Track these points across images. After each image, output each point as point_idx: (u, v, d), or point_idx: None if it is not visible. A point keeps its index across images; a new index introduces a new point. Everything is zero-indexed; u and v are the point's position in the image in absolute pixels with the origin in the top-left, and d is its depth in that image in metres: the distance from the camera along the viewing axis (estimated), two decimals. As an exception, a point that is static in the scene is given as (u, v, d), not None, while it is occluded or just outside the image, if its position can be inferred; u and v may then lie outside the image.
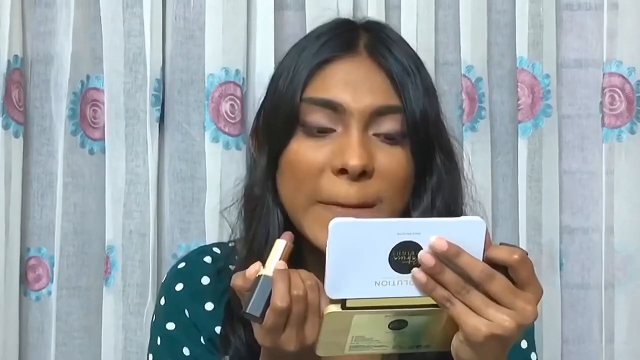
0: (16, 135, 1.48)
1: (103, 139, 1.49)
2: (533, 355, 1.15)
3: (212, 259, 1.14)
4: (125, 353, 1.46)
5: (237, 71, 1.46)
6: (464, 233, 0.86)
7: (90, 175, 1.50)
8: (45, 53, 1.51)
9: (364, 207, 1.01)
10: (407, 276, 0.86)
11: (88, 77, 1.51)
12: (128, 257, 1.47)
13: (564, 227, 1.51)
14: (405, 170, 1.04)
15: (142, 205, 1.48)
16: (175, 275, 1.14)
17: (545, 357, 1.47)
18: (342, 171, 1.00)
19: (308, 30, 1.42)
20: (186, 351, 1.10)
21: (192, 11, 1.49)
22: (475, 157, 1.46)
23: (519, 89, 1.47)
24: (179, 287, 1.12)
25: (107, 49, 1.48)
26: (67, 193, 1.48)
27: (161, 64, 1.48)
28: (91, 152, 1.51)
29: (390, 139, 1.03)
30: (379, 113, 1.02)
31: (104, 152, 1.49)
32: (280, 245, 0.93)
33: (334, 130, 1.02)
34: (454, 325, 0.89)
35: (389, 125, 1.03)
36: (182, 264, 1.15)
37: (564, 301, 1.50)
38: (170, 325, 1.11)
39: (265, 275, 0.90)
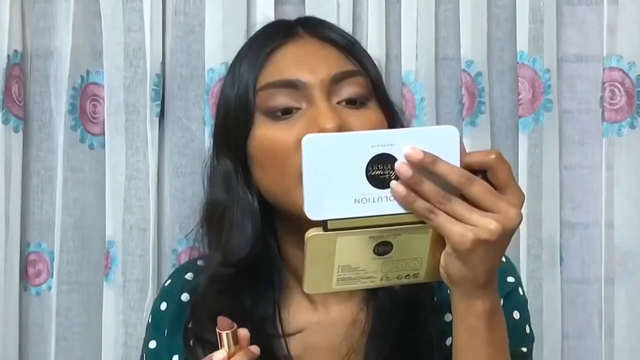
0: (16, 130, 1.48)
1: (103, 134, 1.49)
2: (527, 328, 1.15)
3: (194, 274, 1.17)
4: (126, 348, 1.46)
5: (237, 66, 1.46)
6: (438, 142, 0.84)
7: (90, 170, 1.50)
8: (45, 48, 1.51)
9: None
10: (387, 191, 0.84)
11: (88, 72, 1.50)
12: (128, 252, 1.47)
13: (564, 222, 1.51)
14: (380, 127, 1.05)
15: (142, 201, 1.48)
16: (161, 294, 1.19)
17: (545, 352, 1.47)
18: None
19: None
20: None
21: (192, 6, 1.49)
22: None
23: (519, 84, 1.47)
24: (163, 306, 1.17)
25: (107, 43, 1.48)
26: (67, 188, 1.48)
27: (161, 59, 1.48)
28: (91, 147, 1.51)
29: (353, 103, 1.04)
30: (337, 80, 1.04)
31: (103, 147, 1.49)
32: (226, 338, 0.95)
33: (299, 109, 1.04)
34: (440, 248, 0.88)
35: (351, 89, 1.05)
36: (168, 282, 1.20)
37: (564, 296, 1.50)
38: (152, 344, 1.16)
39: None
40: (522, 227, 1.47)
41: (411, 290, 1.08)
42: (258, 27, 1.44)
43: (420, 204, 0.85)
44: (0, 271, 1.46)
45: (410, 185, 0.84)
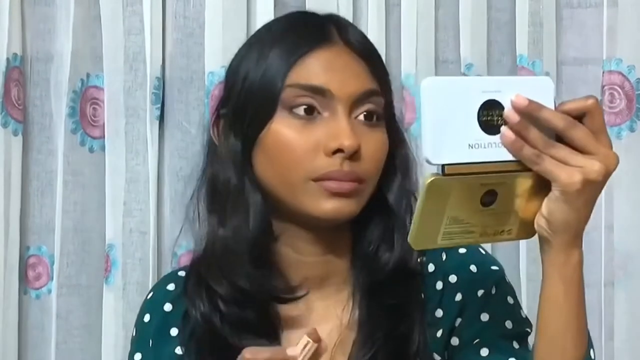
0: (15, 134, 1.48)
1: (103, 137, 1.49)
2: (522, 313, 1.16)
3: (175, 285, 1.17)
4: (126, 351, 1.44)
5: (237, 69, 1.46)
6: (536, 90, 0.87)
7: (90, 174, 1.50)
8: (45, 51, 1.51)
9: (357, 182, 1.06)
10: (496, 138, 0.87)
11: (88, 76, 1.51)
12: (128, 256, 1.47)
13: (564, 225, 1.51)
14: (384, 151, 1.09)
15: (142, 204, 1.48)
16: (144, 306, 1.19)
17: (545, 355, 1.47)
18: (337, 151, 1.04)
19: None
20: None
21: (192, 9, 1.49)
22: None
23: (519, 87, 1.47)
24: (147, 318, 1.17)
25: (107, 47, 1.48)
26: (67, 191, 1.48)
27: (161, 62, 1.48)
28: (91, 150, 1.51)
29: (368, 120, 1.08)
30: (361, 98, 1.07)
31: (104, 151, 1.49)
32: (307, 346, 1.01)
33: (320, 114, 1.06)
34: (539, 200, 0.90)
35: (370, 107, 1.08)
36: (150, 294, 1.20)
37: (564, 299, 1.50)
38: (137, 356, 1.16)
39: None
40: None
41: (397, 288, 1.10)
42: (259, 24, 1.46)
43: (527, 149, 0.88)
44: (0, 274, 1.46)
45: (517, 132, 0.87)
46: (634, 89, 1.49)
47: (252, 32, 1.47)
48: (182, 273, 1.18)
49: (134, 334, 1.19)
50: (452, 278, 1.13)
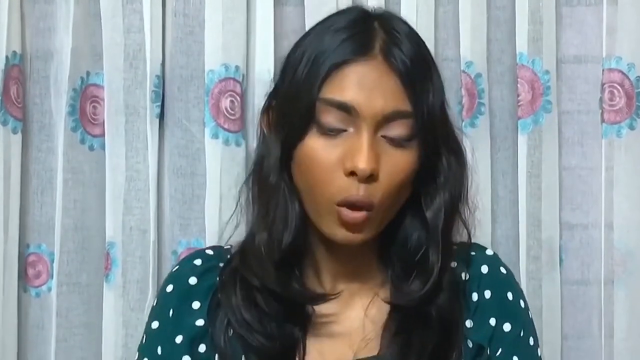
0: (14, 132, 1.48)
1: (103, 135, 1.49)
2: (539, 351, 1.17)
3: (202, 261, 1.20)
4: (126, 349, 1.46)
5: (237, 67, 1.46)
6: None
7: (90, 172, 1.50)
8: (44, 49, 1.51)
9: (368, 209, 1.08)
10: None
11: (88, 74, 1.50)
12: (128, 254, 1.47)
13: (564, 223, 1.51)
14: (407, 173, 1.10)
15: (142, 202, 1.48)
16: (168, 278, 1.21)
17: (545, 353, 1.46)
18: (352, 173, 1.06)
19: (307, 27, 1.43)
20: (159, 350, 1.17)
21: (192, 7, 1.49)
22: (474, 153, 1.46)
23: (518, 85, 1.47)
24: (169, 288, 1.19)
25: (107, 45, 1.48)
26: (67, 189, 1.48)
27: (161, 60, 1.48)
28: (91, 148, 1.51)
29: (397, 142, 1.08)
30: (389, 118, 1.07)
31: (104, 149, 1.49)
32: None
33: (346, 130, 1.07)
34: None
35: (398, 129, 1.08)
36: (176, 267, 1.22)
37: (564, 297, 1.50)
38: (155, 324, 1.18)
39: None
40: (522, 228, 1.47)
41: (443, 310, 1.13)
42: (258, 27, 1.47)
43: None
44: (0, 272, 1.46)
45: None
46: (633, 87, 1.49)
47: (252, 30, 1.48)
48: (209, 251, 1.22)
49: (154, 304, 1.21)
50: (487, 293, 1.16)
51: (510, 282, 1.20)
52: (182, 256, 1.46)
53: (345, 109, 1.07)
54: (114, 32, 1.48)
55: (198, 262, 1.20)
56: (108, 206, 1.48)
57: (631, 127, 1.49)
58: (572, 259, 1.52)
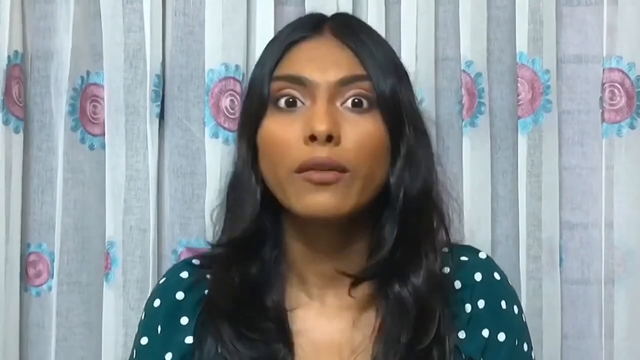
0: (16, 131, 1.48)
1: (103, 134, 1.49)
2: (533, 354, 1.17)
3: (189, 273, 1.18)
4: (126, 349, 1.46)
5: (237, 67, 1.46)
6: None
7: (90, 171, 1.50)
8: (45, 49, 1.52)
9: (338, 170, 1.04)
10: None
11: (88, 73, 1.51)
12: (128, 253, 1.47)
13: (564, 222, 1.51)
14: (374, 138, 1.07)
15: (142, 201, 1.48)
16: (155, 291, 1.19)
17: (544, 352, 1.47)
18: (312, 138, 1.03)
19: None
20: None
21: (192, 7, 1.49)
22: (474, 152, 1.46)
23: (518, 85, 1.47)
24: (157, 303, 1.17)
25: (107, 44, 1.48)
26: (67, 189, 1.48)
27: (161, 59, 1.48)
28: (91, 147, 1.51)
29: (356, 106, 1.06)
30: (343, 83, 1.06)
31: (104, 148, 1.49)
32: None
33: (303, 104, 1.07)
34: None
35: (355, 92, 1.07)
36: (163, 280, 1.20)
37: (564, 297, 1.50)
38: (144, 340, 1.16)
39: None
40: (522, 228, 1.47)
41: (421, 297, 1.09)
42: (258, 26, 1.47)
43: None
44: (0, 272, 1.46)
45: None
46: (634, 87, 1.48)
47: (252, 29, 1.48)
48: (196, 261, 1.19)
49: (142, 317, 1.19)
50: (481, 303, 1.13)
51: (504, 288, 1.16)
52: (183, 256, 1.46)
53: (298, 81, 1.06)
54: (114, 32, 1.48)
55: (185, 274, 1.17)
56: (108, 205, 1.48)
57: (631, 127, 1.48)
58: (572, 259, 1.51)
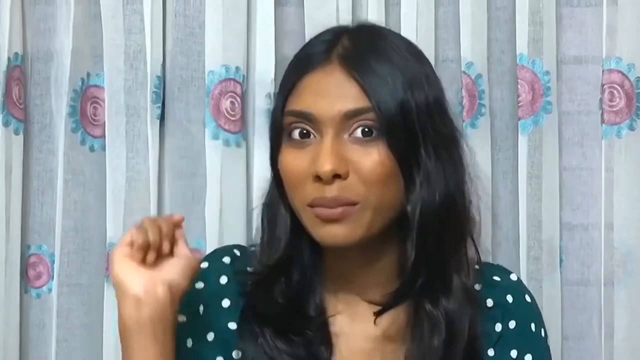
0: (16, 133, 1.48)
1: (103, 136, 1.49)
2: (549, 341, 1.21)
3: (231, 260, 1.20)
4: (126, 350, 1.46)
5: (238, 68, 1.46)
6: None
7: (90, 173, 1.50)
8: (45, 50, 1.51)
9: (347, 204, 1.07)
10: None
11: (88, 75, 1.51)
12: (129, 254, 1.47)
13: (564, 223, 1.51)
14: (382, 167, 1.08)
15: (143, 203, 1.48)
16: (199, 274, 1.18)
17: (545, 353, 1.47)
18: (318, 178, 1.06)
19: (307, 27, 1.44)
20: (189, 343, 1.16)
21: (192, 8, 1.49)
22: (475, 154, 1.46)
23: (519, 86, 1.47)
24: (199, 285, 1.18)
25: (108, 46, 1.48)
26: (68, 190, 1.48)
27: (161, 61, 1.48)
28: (92, 149, 1.51)
29: (365, 136, 1.08)
30: (348, 117, 1.08)
31: (104, 150, 1.49)
32: None
33: (315, 137, 1.09)
34: None
35: (360, 124, 1.08)
36: (205, 264, 1.20)
37: (564, 298, 1.50)
38: (181, 318, 1.16)
39: None
40: (522, 229, 1.47)
41: (452, 313, 1.13)
42: (259, 28, 1.47)
43: None
44: (0, 273, 1.46)
45: None
46: (633, 88, 1.49)
47: (252, 31, 1.48)
48: (237, 251, 1.21)
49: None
50: (512, 324, 1.17)
51: (533, 311, 1.22)
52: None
53: (305, 117, 1.09)
54: (114, 33, 1.48)
55: (227, 260, 1.20)
56: (108, 207, 1.48)
57: (631, 128, 1.49)
58: (572, 260, 1.52)
